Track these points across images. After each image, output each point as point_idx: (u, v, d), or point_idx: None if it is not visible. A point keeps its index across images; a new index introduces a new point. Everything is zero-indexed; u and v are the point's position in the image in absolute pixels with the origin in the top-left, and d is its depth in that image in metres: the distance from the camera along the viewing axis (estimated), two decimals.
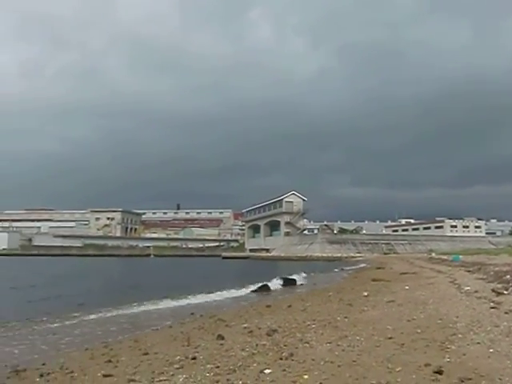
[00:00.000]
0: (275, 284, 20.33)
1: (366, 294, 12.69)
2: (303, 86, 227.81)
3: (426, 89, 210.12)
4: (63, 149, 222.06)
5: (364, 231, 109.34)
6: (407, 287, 13.87)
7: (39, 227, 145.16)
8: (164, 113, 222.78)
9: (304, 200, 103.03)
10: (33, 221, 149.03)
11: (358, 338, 6.10)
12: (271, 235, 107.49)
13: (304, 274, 26.78)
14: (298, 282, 21.95)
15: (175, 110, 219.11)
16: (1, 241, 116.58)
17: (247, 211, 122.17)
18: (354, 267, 39.90)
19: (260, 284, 19.07)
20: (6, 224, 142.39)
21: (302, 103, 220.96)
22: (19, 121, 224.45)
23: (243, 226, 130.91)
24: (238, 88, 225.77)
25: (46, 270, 43.17)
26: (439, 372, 4.16)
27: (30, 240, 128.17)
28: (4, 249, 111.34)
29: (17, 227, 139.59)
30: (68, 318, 10.85)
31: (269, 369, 4.67)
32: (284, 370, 4.57)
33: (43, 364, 6.03)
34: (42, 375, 5.35)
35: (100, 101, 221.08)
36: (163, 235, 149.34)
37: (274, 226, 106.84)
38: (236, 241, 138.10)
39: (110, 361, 5.96)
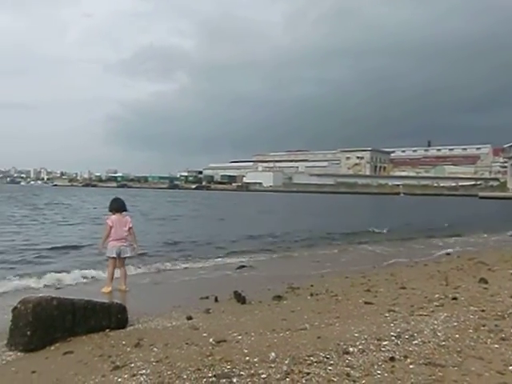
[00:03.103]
0: None
1: None
2: None
3: None
4: (320, 92, 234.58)
5: None
6: None
7: (297, 167, 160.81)
8: (418, 42, 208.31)
9: None
10: (292, 161, 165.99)
11: None
12: None
13: None
14: None
15: (429, 36, 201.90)
16: (267, 179, 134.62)
17: (511, 146, 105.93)
18: None
19: None
20: (271, 164, 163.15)
21: None
22: (284, 70, 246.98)
23: (505, 162, 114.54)
24: None
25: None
26: None
27: (290, 178, 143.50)
28: (270, 186, 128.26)
29: (279, 167, 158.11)
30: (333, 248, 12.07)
31: None
32: None
33: (311, 285, 6.93)
34: (311, 294, 6.18)
35: (354, 40, 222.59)
36: (413, 173, 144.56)
37: None
38: (496, 179, 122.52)
39: (368, 290, 6.35)
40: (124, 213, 6.97)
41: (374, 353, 3.25)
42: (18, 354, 3.83)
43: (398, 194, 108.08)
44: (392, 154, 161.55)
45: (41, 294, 4.37)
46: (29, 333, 3.81)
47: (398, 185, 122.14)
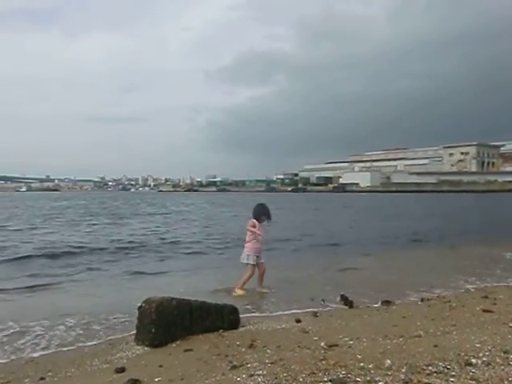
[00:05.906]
0: None
1: None
2: None
3: None
4: (424, 87, 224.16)
5: None
6: None
7: (395, 166, 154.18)
8: None
9: None
10: (389, 160, 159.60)
11: None
12: None
13: None
14: None
15: None
16: (365, 179, 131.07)
17: None
18: None
19: None
20: (368, 164, 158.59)
21: None
22: (385, 66, 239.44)
23: None
24: None
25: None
26: None
27: (388, 178, 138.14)
28: (368, 186, 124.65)
29: (377, 167, 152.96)
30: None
31: None
32: None
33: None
34: (422, 300, 5.92)
35: (472, 25, 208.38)
36: None
37: None
38: None
39: (486, 297, 5.91)
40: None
41: (502, 367, 3.02)
42: (145, 348, 4.18)
43: (510, 190, 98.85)
44: (502, 148, 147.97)
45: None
46: (153, 330, 4.14)
47: (510, 181, 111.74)
